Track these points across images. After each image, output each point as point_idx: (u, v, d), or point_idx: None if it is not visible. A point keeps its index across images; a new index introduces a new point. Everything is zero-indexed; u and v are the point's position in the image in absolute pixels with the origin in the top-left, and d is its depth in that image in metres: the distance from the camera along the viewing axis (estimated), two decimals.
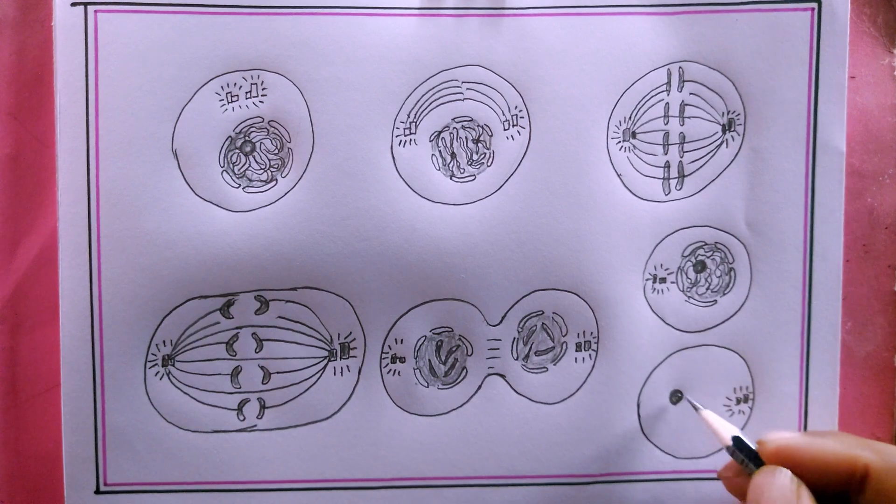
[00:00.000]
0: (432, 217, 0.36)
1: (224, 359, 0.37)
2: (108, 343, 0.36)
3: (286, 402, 0.37)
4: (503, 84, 0.36)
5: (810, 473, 0.31)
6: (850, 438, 0.32)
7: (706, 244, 0.38)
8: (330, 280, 0.36)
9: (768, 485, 0.31)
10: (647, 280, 0.38)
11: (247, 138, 0.36)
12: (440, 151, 0.37)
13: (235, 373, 0.37)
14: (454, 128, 0.37)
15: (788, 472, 0.31)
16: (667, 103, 0.37)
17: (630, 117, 0.37)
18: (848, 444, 0.31)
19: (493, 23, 0.36)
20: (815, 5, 0.37)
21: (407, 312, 0.37)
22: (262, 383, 0.37)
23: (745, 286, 0.38)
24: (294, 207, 0.36)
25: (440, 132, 0.37)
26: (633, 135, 0.37)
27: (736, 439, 0.33)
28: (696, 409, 0.36)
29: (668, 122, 0.37)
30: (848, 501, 0.31)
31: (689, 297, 0.38)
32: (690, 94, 0.37)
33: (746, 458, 0.33)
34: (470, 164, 0.37)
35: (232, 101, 0.36)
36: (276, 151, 0.36)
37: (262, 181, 0.36)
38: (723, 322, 0.38)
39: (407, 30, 0.36)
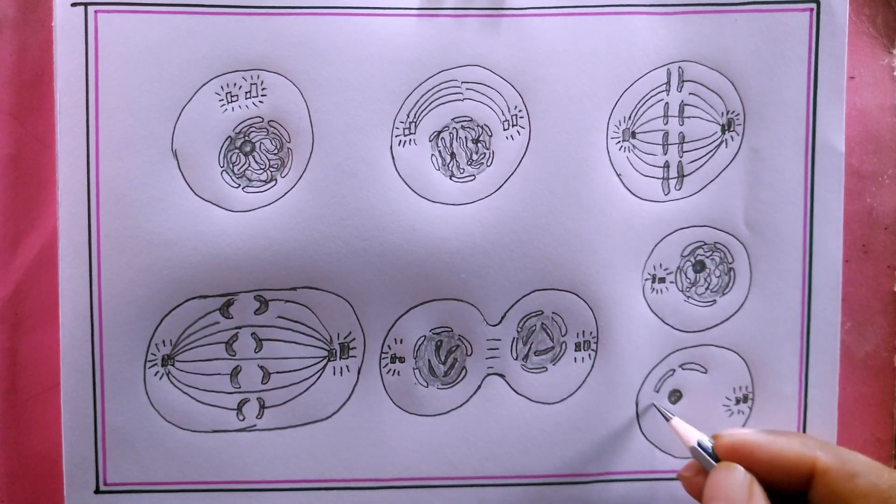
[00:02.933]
0: (432, 217, 0.36)
1: (224, 359, 0.37)
2: (108, 343, 0.36)
3: (286, 402, 0.37)
4: (503, 84, 0.36)
5: (764, 470, 0.32)
6: (806, 438, 0.33)
7: (705, 244, 0.38)
8: (329, 280, 0.36)
9: (723, 481, 0.31)
10: (646, 280, 0.38)
11: (246, 138, 0.36)
12: (440, 151, 0.37)
13: (235, 373, 0.37)
14: (454, 128, 0.37)
15: (741, 469, 0.32)
16: (666, 103, 0.37)
17: (630, 117, 0.37)
18: (802, 443, 0.32)
19: (493, 23, 0.36)
20: (814, 5, 0.37)
21: (406, 312, 0.37)
22: (262, 383, 0.37)
23: (745, 286, 0.38)
24: (294, 207, 0.36)
25: (440, 132, 0.37)
26: (633, 135, 0.37)
27: (698, 444, 0.34)
28: (666, 418, 0.36)
29: (667, 122, 0.37)
30: (803, 499, 0.32)
31: (688, 296, 0.38)
32: (690, 94, 0.37)
33: (708, 458, 0.33)
34: (470, 164, 0.37)
35: (232, 101, 0.36)
36: (276, 151, 0.36)
37: (261, 181, 0.36)
38: (722, 322, 0.38)
39: (407, 30, 0.36)
